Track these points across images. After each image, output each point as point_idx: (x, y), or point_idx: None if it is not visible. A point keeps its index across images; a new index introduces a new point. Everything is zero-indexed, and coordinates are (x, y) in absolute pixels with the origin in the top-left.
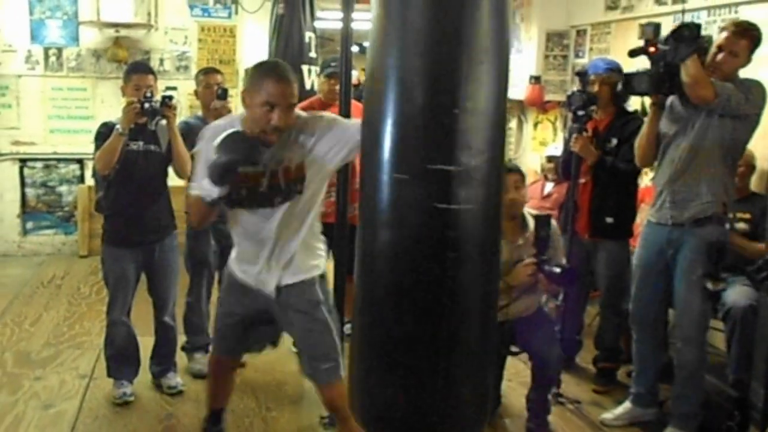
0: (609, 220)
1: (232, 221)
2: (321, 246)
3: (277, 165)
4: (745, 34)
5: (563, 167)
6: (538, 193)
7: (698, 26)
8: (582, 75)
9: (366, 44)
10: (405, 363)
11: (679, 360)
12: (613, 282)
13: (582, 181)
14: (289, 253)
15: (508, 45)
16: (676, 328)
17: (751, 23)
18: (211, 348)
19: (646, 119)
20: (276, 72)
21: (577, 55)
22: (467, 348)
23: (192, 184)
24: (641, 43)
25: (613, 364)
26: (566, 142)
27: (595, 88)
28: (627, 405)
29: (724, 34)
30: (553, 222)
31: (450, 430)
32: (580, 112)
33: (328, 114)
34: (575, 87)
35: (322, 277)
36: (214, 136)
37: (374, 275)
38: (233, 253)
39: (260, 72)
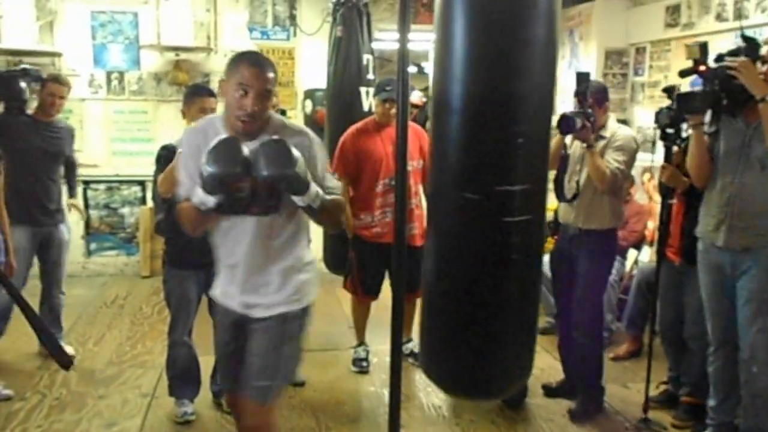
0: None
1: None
2: (305, 277)
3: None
4: None
5: (660, 187)
6: None
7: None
8: (670, 91)
9: (424, 65)
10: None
11: (755, 386)
12: (700, 312)
13: (673, 201)
14: (264, 278)
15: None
16: (746, 351)
17: None
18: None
19: (691, 140)
20: (251, 57)
21: (636, 73)
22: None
23: (180, 192)
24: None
25: (698, 399)
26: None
27: None
28: None
29: None
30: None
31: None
32: (669, 130)
33: (311, 135)
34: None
35: (305, 310)
36: (194, 139)
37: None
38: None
39: (236, 58)
